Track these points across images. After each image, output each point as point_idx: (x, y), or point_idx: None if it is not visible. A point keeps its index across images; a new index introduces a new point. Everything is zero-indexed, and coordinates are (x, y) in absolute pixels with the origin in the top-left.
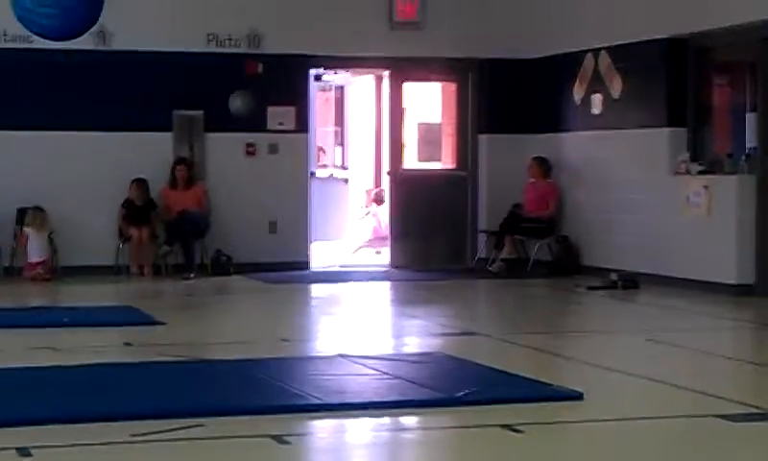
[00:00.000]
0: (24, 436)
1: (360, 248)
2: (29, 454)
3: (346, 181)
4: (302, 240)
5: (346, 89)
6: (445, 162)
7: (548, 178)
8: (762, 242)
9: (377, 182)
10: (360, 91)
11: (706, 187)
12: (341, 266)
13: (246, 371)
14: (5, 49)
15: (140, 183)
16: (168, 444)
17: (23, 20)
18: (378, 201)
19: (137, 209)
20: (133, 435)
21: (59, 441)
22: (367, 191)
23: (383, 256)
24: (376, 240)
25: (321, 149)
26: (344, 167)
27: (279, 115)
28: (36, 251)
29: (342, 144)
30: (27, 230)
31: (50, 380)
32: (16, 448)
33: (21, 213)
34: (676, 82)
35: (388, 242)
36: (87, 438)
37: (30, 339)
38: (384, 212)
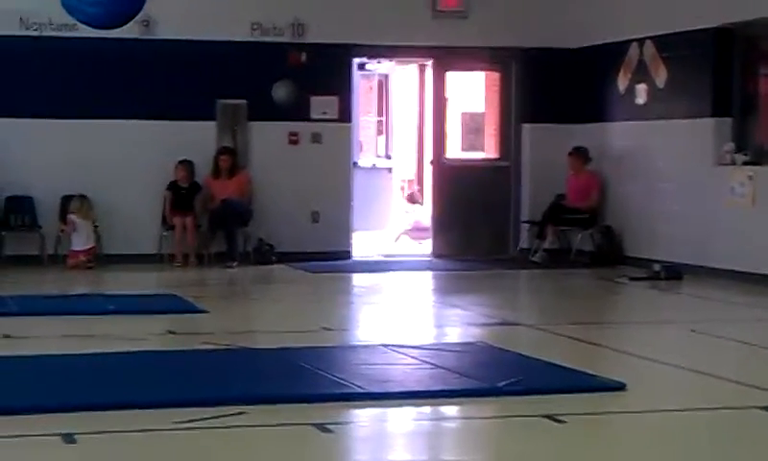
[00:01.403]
0: (69, 422)
1: (401, 235)
2: (74, 441)
3: (389, 170)
4: (345, 230)
5: (389, 79)
6: (488, 152)
7: (588, 165)
8: None
9: (420, 172)
10: (403, 80)
11: (750, 178)
12: (383, 256)
13: (288, 359)
14: (50, 37)
15: (186, 165)
16: (211, 431)
17: (69, 8)
18: (412, 201)
19: (182, 194)
20: (177, 422)
21: (103, 427)
22: (401, 186)
23: (425, 246)
24: (416, 231)
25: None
26: (387, 157)
27: (323, 104)
28: (80, 239)
29: (386, 134)
30: (72, 217)
31: (94, 368)
32: (61, 435)
33: (66, 201)
34: (721, 71)
35: (427, 234)
36: (131, 425)
37: (74, 327)
38: (421, 210)
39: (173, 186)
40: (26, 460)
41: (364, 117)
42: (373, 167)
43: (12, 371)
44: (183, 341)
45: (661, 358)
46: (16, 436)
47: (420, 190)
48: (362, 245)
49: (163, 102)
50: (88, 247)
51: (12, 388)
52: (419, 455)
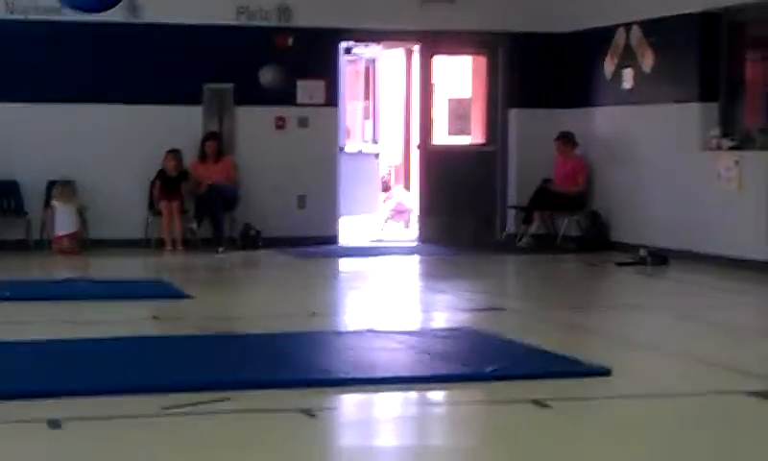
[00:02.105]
0: (54, 408)
1: (387, 220)
2: (59, 426)
3: (376, 155)
4: (331, 215)
5: (376, 63)
6: (475, 137)
7: (575, 149)
8: None
9: (406, 157)
10: (390, 65)
11: (737, 163)
12: (370, 241)
13: (274, 345)
14: (36, 22)
15: (175, 154)
16: (197, 416)
17: None
18: (385, 188)
19: (170, 180)
20: (163, 408)
21: (88, 413)
22: (387, 172)
23: (411, 231)
24: (398, 214)
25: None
26: (374, 141)
27: (309, 89)
28: (62, 223)
29: (373, 118)
30: (54, 202)
31: (79, 353)
32: (47, 420)
33: (51, 186)
34: (708, 56)
35: (409, 215)
36: (117, 410)
37: (59, 312)
38: (402, 192)
39: (161, 175)
40: (11, 445)
41: (351, 102)
42: (360, 152)
43: None
44: (169, 326)
45: (647, 343)
46: (1, 422)
47: (404, 174)
48: (349, 230)
49: (150, 86)
50: (71, 231)
51: None
52: (405, 441)
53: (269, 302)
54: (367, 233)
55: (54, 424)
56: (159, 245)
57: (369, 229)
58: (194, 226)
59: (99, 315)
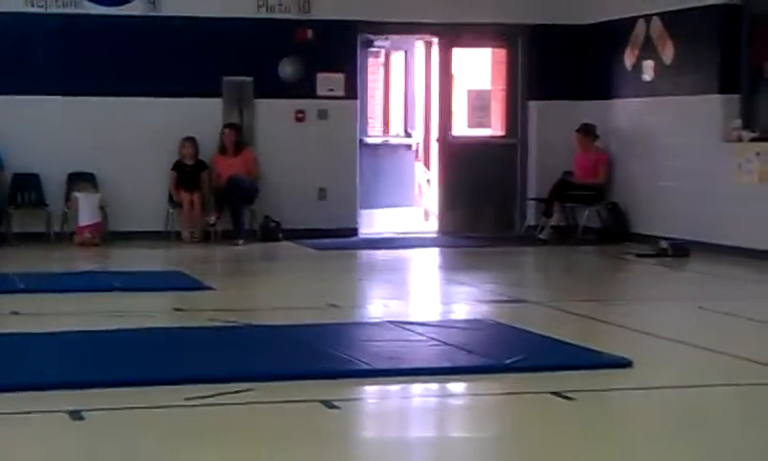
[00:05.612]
0: (76, 399)
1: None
2: (81, 418)
3: (408, 147)
4: (351, 207)
5: (398, 56)
6: (495, 129)
7: (595, 142)
8: None
9: (426, 149)
10: (412, 57)
11: (758, 154)
12: (393, 233)
13: (295, 336)
14: (56, 14)
15: (191, 142)
16: (218, 408)
17: None
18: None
19: (188, 172)
20: (185, 399)
21: (110, 404)
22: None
23: (432, 223)
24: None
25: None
26: (407, 134)
27: (329, 82)
28: (85, 214)
29: (405, 110)
30: (76, 194)
31: (100, 344)
32: (69, 412)
33: (72, 178)
34: (729, 48)
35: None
36: (138, 402)
37: (81, 303)
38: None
39: (178, 166)
40: (33, 437)
41: (371, 95)
42: (384, 144)
43: (20, 347)
44: (190, 318)
45: (668, 335)
46: (23, 413)
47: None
48: (370, 222)
49: (170, 79)
50: (93, 222)
51: (19, 364)
52: (426, 432)
53: (289, 293)
54: (388, 225)
55: (76, 415)
56: (176, 237)
57: (394, 220)
58: (211, 218)
59: (119, 307)
